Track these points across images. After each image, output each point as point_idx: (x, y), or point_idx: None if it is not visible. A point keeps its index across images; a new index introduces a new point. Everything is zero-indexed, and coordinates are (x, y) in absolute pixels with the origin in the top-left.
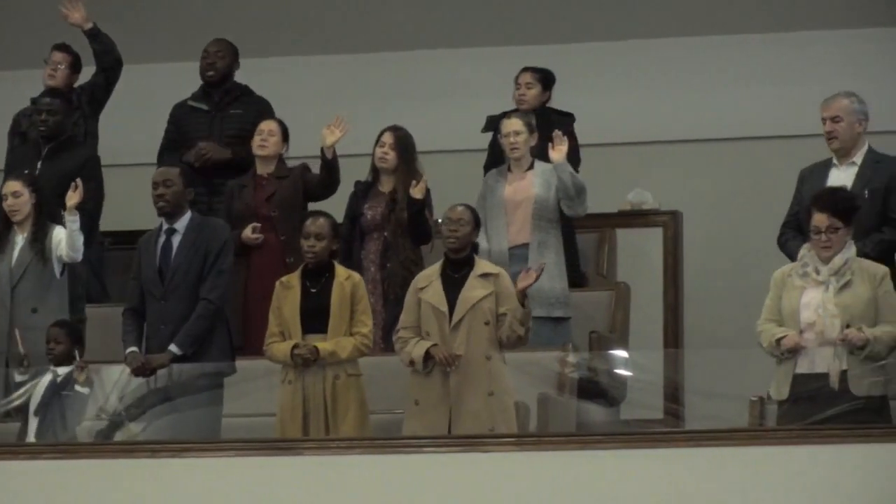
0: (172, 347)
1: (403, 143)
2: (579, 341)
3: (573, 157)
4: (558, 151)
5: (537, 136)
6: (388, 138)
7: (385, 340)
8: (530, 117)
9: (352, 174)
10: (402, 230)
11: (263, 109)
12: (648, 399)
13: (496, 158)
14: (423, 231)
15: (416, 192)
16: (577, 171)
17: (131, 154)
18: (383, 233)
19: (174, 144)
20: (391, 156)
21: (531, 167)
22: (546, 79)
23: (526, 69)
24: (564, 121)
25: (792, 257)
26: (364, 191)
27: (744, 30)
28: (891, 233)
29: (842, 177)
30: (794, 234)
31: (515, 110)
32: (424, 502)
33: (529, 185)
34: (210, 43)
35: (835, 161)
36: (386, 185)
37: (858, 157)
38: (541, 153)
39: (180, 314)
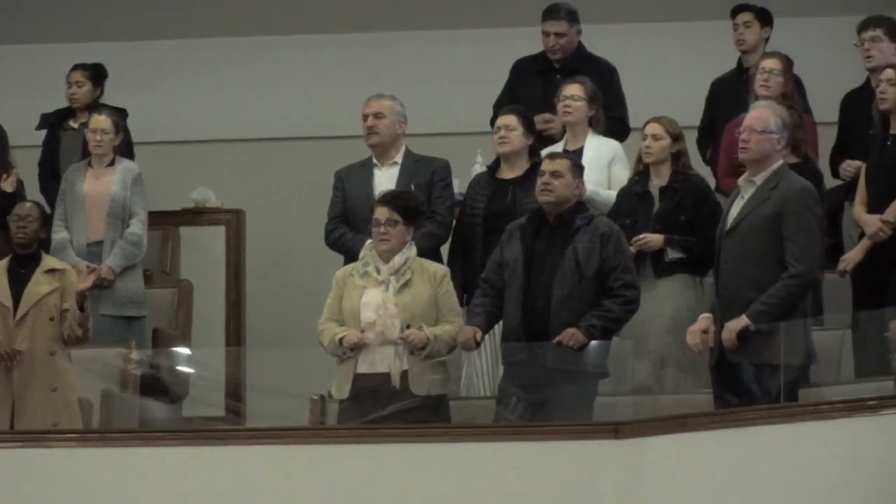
0: None
1: None
2: (143, 338)
3: (128, 151)
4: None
5: (122, 136)
6: None
7: None
8: (121, 116)
9: None
10: None
11: None
12: (210, 396)
13: (51, 155)
14: None
15: (7, 186)
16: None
17: None
18: None
19: None
20: None
21: (112, 164)
22: (98, 75)
23: (76, 67)
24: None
25: (348, 252)
26: None
27: (311, 30)
28: (435, 227)
29: (385, 177)
30: (346, 227)
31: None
32: None
33: (109, 183)
34: None
35: (375, 161)
36: None
37: (399, 158)
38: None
39: None
